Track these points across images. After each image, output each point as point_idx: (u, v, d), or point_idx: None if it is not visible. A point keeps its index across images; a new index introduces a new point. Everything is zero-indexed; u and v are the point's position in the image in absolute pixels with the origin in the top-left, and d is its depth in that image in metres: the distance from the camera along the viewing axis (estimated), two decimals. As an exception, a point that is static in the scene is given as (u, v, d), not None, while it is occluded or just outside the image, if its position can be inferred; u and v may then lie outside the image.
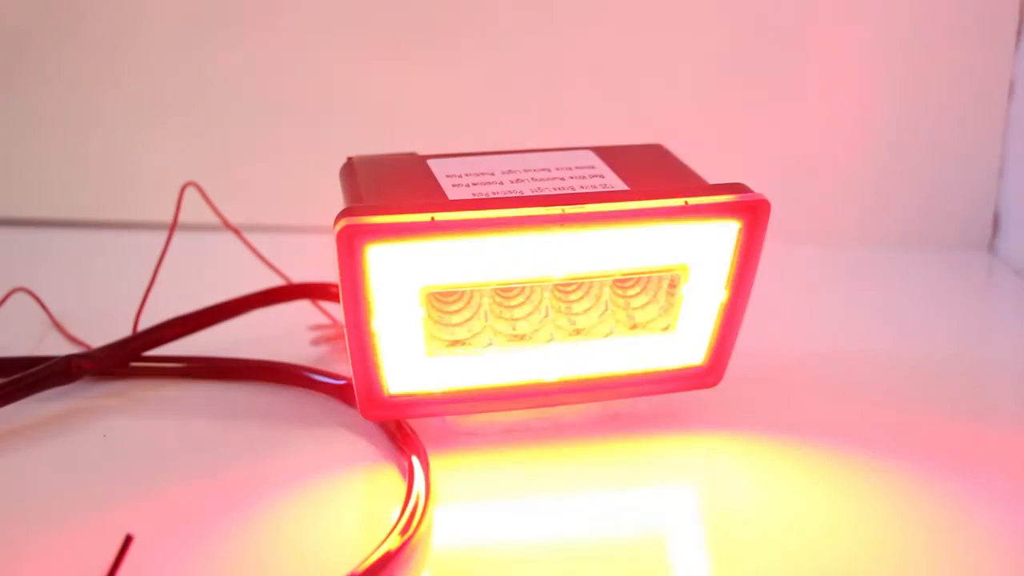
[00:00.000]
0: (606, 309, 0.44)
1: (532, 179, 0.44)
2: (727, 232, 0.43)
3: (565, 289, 0.44)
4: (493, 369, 0.44)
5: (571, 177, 0.44)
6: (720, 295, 0.44)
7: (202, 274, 0.63)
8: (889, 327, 0.58)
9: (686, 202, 0.42)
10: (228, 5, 0.70)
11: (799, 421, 0.47)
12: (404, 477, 0.42)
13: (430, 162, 0.46)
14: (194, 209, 0.55)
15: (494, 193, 0.43)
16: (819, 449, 0.45)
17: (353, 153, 0.48)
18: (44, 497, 0.42)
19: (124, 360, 0.50)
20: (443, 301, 0.43)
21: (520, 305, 0.44)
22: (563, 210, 0.41)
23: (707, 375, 0.46)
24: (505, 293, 0.44)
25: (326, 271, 0.50)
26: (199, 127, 0.72)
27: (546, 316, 0.44)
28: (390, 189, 0.44)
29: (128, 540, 0.32)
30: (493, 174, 0.44)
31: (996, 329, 0.62)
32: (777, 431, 0.46)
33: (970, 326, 0.61)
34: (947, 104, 0.69)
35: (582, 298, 0.44)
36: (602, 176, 0.44)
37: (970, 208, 0.71)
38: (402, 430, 0.44)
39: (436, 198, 0.42)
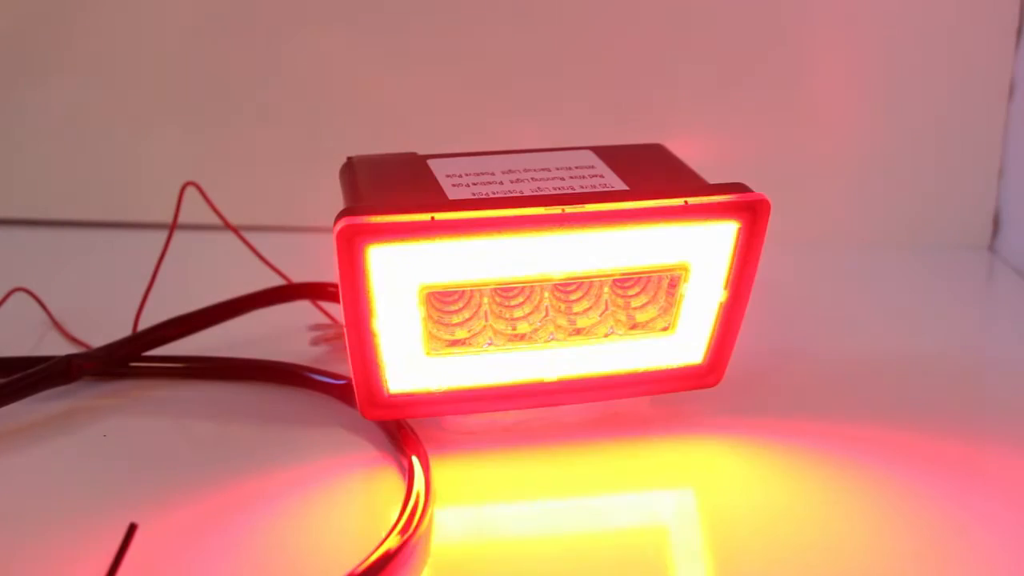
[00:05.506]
0: (606, 309, 0.44)
1: (532, 179, 0.44)
2: (727, 232, 0.43)
3: (565, 289, 0.44)
4: (493, 369, 0.44)
5: (571, 177, 0.44)
6: (720, 295, 0.44)
7: (202, 274, 0.63)
8: (889, 327, 0.58)
9: (686, 202, 0.42)
10: (228, 5, 0.70)
11: (799, 421, 0.47)
12: (404, 477, 0.42)
13: (430, 162, 0.46)
14: (194, 209, 0.55)
15: (494, 193, 0.43)
16: (819, 449, 0.45)
17: (353, 153, 0.48)
18: (44, 497, 0.42)
19: (124, 360, 0.50)
20: (443, 301, 0.43)
21: (520, 305, 0.44)
22: (563, 210, 0.41)
23: (707, 375, 0.46)
24: (505, 293, 0.44)
25: (326, 271, 0.50)
26: (199, 127, 0.72)
27: (546, 316, 0.44)
28: (390, 189, 0.44)
29: (132, 529, 0.32)
30: (493, 174, 0.44)
31: (996, 329, 0.62)
32: (777, 431, 0.46)
33: (970, 326, 0.61)
34: (947, 104, 0.69)
35: (582, 298, 0.44)
36: (602, 176, 0.44)
37: (970, 208, 0.71)
38: (402, 430, 0.44)
39: (436, 198, 0.42)
